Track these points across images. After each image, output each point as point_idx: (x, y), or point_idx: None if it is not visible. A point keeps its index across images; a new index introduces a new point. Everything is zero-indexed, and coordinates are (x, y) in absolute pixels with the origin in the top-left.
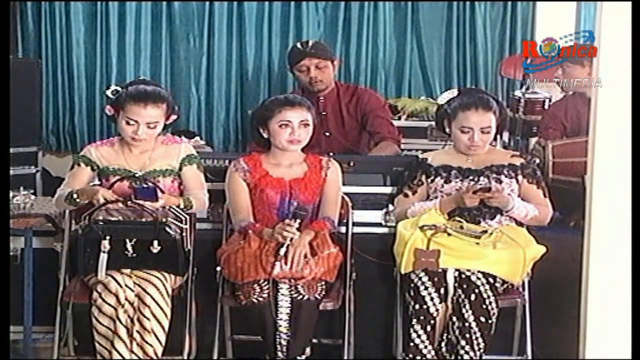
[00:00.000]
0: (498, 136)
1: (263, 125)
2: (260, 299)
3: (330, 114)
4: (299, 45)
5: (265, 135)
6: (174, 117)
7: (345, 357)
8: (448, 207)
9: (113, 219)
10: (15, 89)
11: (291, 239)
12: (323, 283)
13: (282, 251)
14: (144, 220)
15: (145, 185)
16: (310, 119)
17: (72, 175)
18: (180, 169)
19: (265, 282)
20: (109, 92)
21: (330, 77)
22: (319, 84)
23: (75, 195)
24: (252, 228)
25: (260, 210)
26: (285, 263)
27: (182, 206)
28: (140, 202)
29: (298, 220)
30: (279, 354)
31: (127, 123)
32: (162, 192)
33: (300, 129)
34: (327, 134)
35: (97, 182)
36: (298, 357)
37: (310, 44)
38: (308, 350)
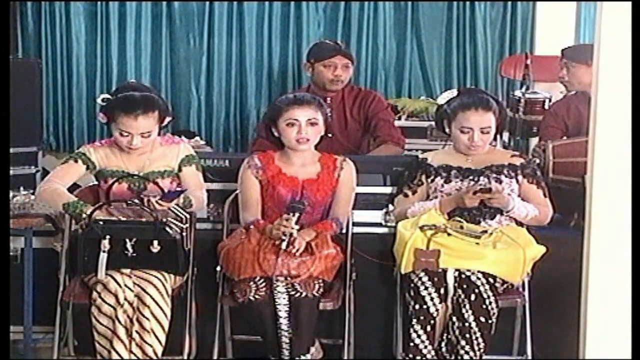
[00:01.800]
0: (498, 136)
1: (273, 123)
2: (257, 296)
3: (334, 115)
4: (329, 42)
5: (276, 134)
6: (168, 119)
7: (345, 357)
8: (448, 207)
9: (113, 218)
10: (15, 89)
11: (290, 234)
12: (321, 281)
13: (284, 245)
14: (144, 220)
15: (176, 189)
16: (320, 118)
17: (63, 170)
18: (180, 169)
19: (262, 280)
20: (99, 100)
21: (348, 79)
22: (339, 83)
23: (84, 209)
24: (256, 225)
25: (271, 207)
26: (286, 256)
27: (181, 204)
28: (164, 202)
29: (297, 214)
30: (284, 351)
31: (121, 134)
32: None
33: (308, 127)
34: (330, 135)
35: (95, 182)
36: (302, 357)
37: (341, 44)
38: (313, 349)
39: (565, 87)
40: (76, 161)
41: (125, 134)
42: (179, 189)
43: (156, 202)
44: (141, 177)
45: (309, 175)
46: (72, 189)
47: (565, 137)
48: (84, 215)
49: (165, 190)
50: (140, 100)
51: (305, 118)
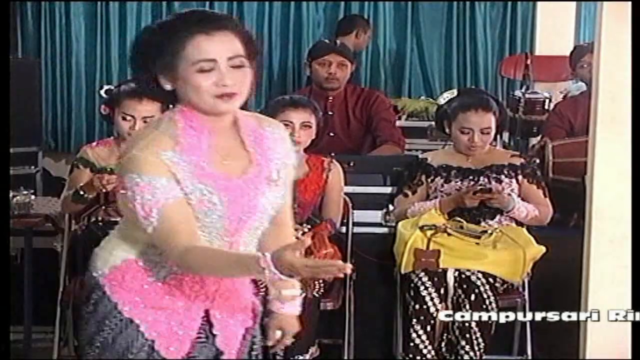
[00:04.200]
0: (498, 136)
1: None
2: (258, 296)
3: (336, 115)
4: (326, 40)
5: None
6: None
7: (346, 357)
8: (448, 207)
9: (112, 219)
10: (15, 89)
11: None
12: (321, 281)
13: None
14: None
15: None
16: (314, 121)
17: (72, 179)
18: None
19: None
20: (102, 92)
21: (346, 77)
22: (335, 82)
23: (82, 192)
24: None
25: None
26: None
27: None
28: None
29: (308, 226)
30: (278, 351)
31: (124, 119)
32: None
33: (301, 130)
34: (332, 134)
35: None
36: (300, 357)
37: (338, 42)
38: (313, 349)
39: (587, 81)
40: (78, 167)
41: (129, 117)
42: None
43: None
44: None
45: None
46: None
47: (566, 138)
48: (84, 195)
49: None
50: (145, 87)
51: (299, 121)
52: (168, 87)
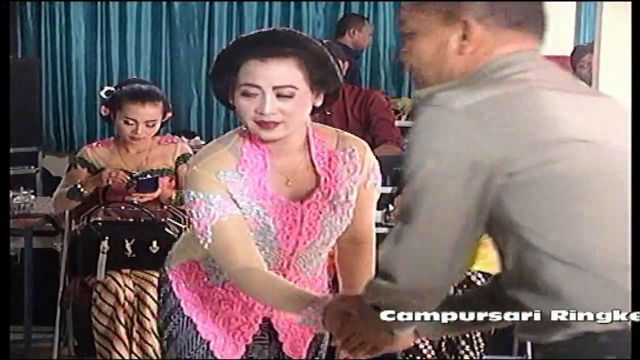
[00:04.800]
0: None
1: None
2: None
3: (334, 115)
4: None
5: None
6: (169, 114)
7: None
8: None
9: (112, 219)
10: (15, 89)
11: None
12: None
13: None
14: (142, 220)
15: (147, 177)
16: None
17: (69, 178)
18: (176, 167)
19: None
20: (102, 93)
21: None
22: None
23: (79, 187)
24: None
25: None
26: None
27: (174, 200)
28: (140, 194)
29: None
30: None
31: (126, 122)
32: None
33: None
34: None
35: None
36: None
37: (324, 42)
38: None
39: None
40: (76, 167)
41: (131, 121)
42: (149, 176)
43: (139, 196)
44: (139, 175)
45: None
46: None
47: None
48: (81, 190)
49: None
50: (147, 89)
51: None
52: (231, 102)
